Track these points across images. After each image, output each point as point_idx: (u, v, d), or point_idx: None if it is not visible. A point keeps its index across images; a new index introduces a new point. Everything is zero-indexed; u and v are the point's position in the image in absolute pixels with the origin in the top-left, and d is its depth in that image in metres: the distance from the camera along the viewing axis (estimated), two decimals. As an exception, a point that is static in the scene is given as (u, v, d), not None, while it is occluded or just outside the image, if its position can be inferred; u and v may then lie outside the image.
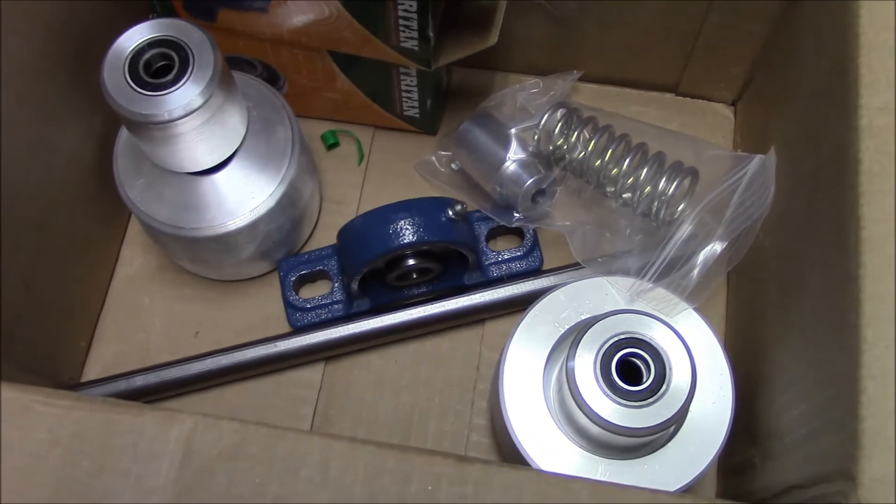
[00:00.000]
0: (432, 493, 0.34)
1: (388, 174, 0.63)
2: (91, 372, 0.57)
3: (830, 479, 0.36)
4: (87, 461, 0.35)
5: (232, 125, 0.50)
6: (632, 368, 0.45)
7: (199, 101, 0.46)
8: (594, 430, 0.45)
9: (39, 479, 0.34)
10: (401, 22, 0.50)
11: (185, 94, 0.46)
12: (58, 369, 0.55)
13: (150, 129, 0.46)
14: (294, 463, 0.35)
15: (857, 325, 0.36)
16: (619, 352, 0.44)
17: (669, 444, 0.47)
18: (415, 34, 0.50)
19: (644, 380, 0.44)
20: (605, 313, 0.45)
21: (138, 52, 0.47)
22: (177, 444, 0.35)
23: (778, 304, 0.49)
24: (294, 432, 0.35)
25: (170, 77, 0.46)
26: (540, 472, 0.35)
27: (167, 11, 0.54)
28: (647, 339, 0.44)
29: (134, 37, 0.47)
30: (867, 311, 0.36)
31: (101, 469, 0.35)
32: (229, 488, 0.34)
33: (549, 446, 0.47)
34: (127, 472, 0.34)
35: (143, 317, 0.59)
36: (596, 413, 0.43)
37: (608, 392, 0.43)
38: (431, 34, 0.50)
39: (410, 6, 0.48)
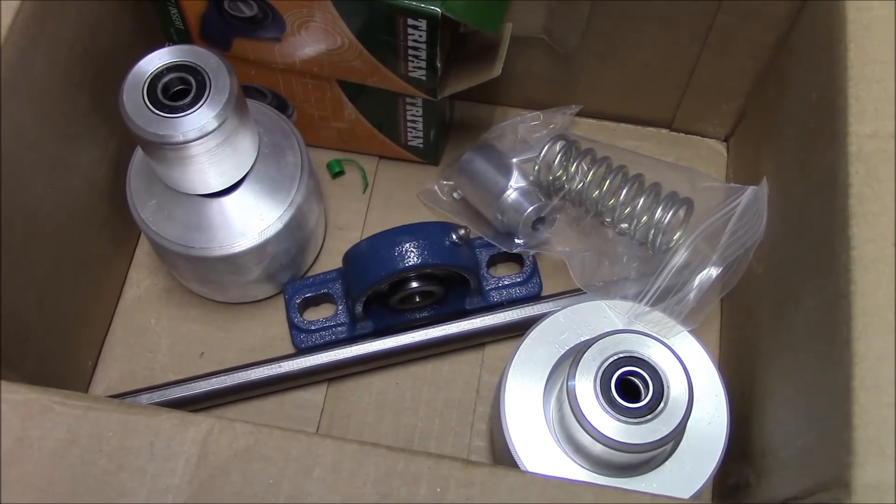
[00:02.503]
0: (441, 494, 0.35)
1: (391, 202, 0.65)
2: (97, 390, 0.58)
3: (825, 487, 0.37)
4: (104, 460, 0.36)
5: (244, 149, 0.52)
6: (630, 386, 0.46)
7: (213, 125, 0.48)
8: (595, 448, 0.46)
9: (58, 476, 0.35)
10: (410, 52, 0.52)
11: (201, 117, 0.47)
12: (65, 387, 0.55)
13: (165, 150, 0.48)
14: (307, 464, 0.36)
15: (849, 340, 0.38)
16: (618, 370, 0.46)
17: (666, 462, 0.48)
18: (423, 64, 0.52)
19: (643, 397, 0.45)
20: (604, 333, 0.47)
21: (157, 76, 0.48)
22: (193, 444, 0.36)
23: (771, 326, 0.50)
24: (306, 435, 0.36)
25: (186, 100, 0.48)
26: (546, 476, 0.36)
27: (183, 40, 0.56)
28: (645, 358, 0.46)
29: (154, 61, 0.49)
30: (859, 325, 0.38)
31: (119, 468, 0.35)
32: (243, 488, 0.35)
33: (549, 464, 0.48)
34: (143, 470, 0.35)
35: (150, 337, 0.60)
36: (597, 430, 0.44)
37: (608, 409, 0.45)
38: (439, 64, 0.52)
39: (420, 36, 0.50)
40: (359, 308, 0.57)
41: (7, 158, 0.46)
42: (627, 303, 0.52)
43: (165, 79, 0.48)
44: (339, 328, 0.59)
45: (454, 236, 0.55)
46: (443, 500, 0.35)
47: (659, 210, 0.56)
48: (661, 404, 0.45)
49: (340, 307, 0.59)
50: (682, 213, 0.56)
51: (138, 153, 0.55)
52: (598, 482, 0.47)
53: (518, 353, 0.51)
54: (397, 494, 0.35)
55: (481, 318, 0.58)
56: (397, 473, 0.35)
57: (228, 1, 0.52)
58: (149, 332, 0.60)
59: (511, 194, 0.58)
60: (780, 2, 0.54)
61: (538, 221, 0.58)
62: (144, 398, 0.56)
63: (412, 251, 0.54)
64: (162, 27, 0.56)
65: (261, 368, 0.57)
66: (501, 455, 0.51)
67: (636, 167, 0.58)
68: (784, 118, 0.54)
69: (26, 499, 0.35)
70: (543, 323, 0.52)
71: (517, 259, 0.61)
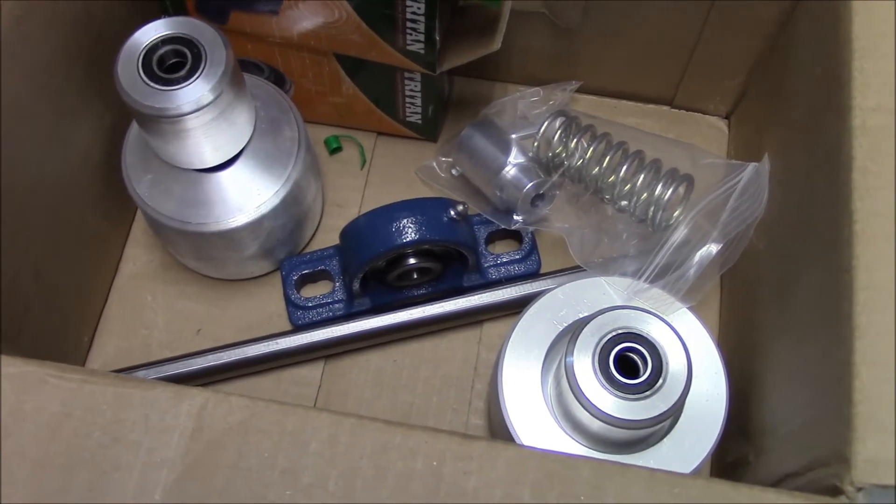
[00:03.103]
0: (437, 468, 0.35)
1: (389, 178, 0.64)
2: (93, 366, 0.58)
3: (825, 463, 0.37)
4: (99, 433, 0.35)
5: (240, 123, 0.51)
6: (629, 362, 0.46)
7: (209, 97, 0.47)
8: (594, 424, 0.45)
9: (53, 449, 0.35)
10: (408, 25, 0.51)
11: (196, 90, 0.47)
12: (61, 362, 0.55)
13: (161, 123, 0.48)
14: (303, 438, 0.35)
15: (851, 314, 0.37)
16: (616, 346, 0.45)
17: (665, 439, 0.48)
18: (421, 37, 0.52)
19: (641, 373, 0.45)
20: (602, 309, 0.46)
21: (152, 48, 0.48)
22: (188, 417, 0.36)
23: (772, 303, 0.50)
24: (303, 408, 0.36)
25: (182, 73, 0.47)
26: (544, 450, 0.36)
27: (179, 12, 0.56)
28: (644, 334, 0.45)
29: (148, 33, 0.48)
30: (861, 300, 0.37)
31: (114, 441, 0.35)
32: (238, 461, 0.35)
33: (547, 441, 0.48)
34: (138, 443, 0.35)
35: (146, 314, 0.60)
36: (596, 407, 0.44)
37: (607, 386, 0.44)
38: (437, 37, 0.52)
39: (418, 9, 0.50)
40: (356, 285, 0.56)
41: (2, 131, 0.45)
42: (626, 279, 0.52)
43: (161, 51, 0.48)
44: (337, 305, 0.58)
45: (452, 212, 0.54)
46: (440, 474, 0.35)
47: (659, 187, 0.55)
48: (660, 380, 0.44)
49: (338, 284, 0.59)
50: (682, 189, 0.56)
51: (134, 127, 0.55)
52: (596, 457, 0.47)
53: (516, 329, 0.51)
54: (394, 468, 0.35)
55: (479, 296, 0.58)
56: (394, 447, 0.35)
57: (225, -28, 0.52)
58: (145, 308, 0.60)
59: (510, 170, 0.58)
60: (783, -23, 0.53)
61: (537, 198, 0.58)
62: (141, 374, 0.55)
63: (410, 227, 0.53)
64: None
65: (258, 345, 0.56)
66: (499, 432, 0.51)
67: (636, 143, 0.58)
68: (786, 94, 0.54)
69: (21, 471, 0.35)
70: (542, 299, 0.51)
71: (516, 236, 0.61)
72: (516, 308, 0.57)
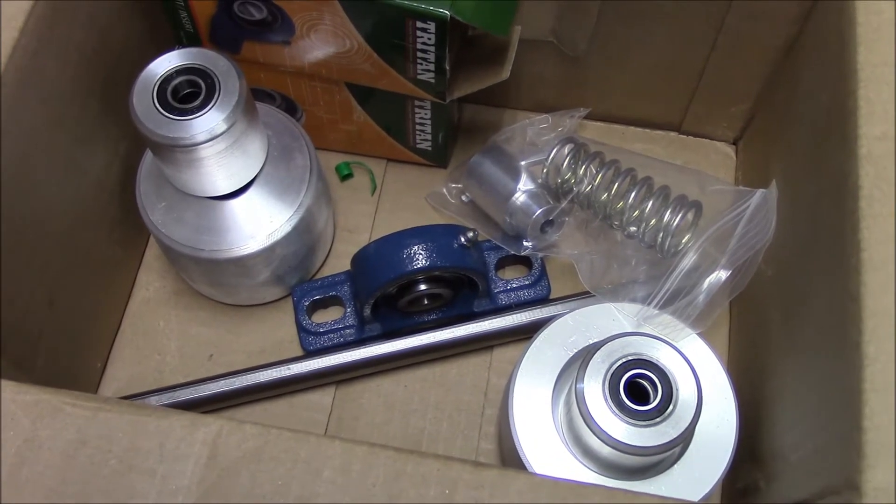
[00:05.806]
0: (450, 496, 0.35)
1: (399, 205, 0.65)
2: (106, 392, 0.58)
3: (836, 490, 0.37)
4: (114, 461, 0.36)
5: (253, 151, 0.52)
6: (639, 389, 0.46)
7: (223, 127, 0.48)
8: (604, 451, 0.46)
9: (68, 477, 0.35)
10: (418, 54, 0.52)
11: (210, 120, 0.48)
12: (74, 388, 0.55)
13: (175, 152, 0.48)
14: (316, 465, 0.36)
15: (859, 342, 0.38)
16: (626, 373, 0.46)
17: (675, 466, 0.48)
18: (431, 67, 0.53)
19: (652, 400, 0.45)
20: (612, 336, 0.47)
21: (167, 79, 0.48)
22: (202, 445, 0.36)
23: (780, 329, 0.50)
24: (315, 436, 0.36)
25: (196, 103, 0.48)
26: (555, 478, 0.36)
27: (193, 43, 0.56)
28: (654, 361, 0.46)
29: (163, 64, 0.49)
30: (869, 327, 0.38)
31: (129, 469, 0.36)
32: (252, 489, 0.35)
33: (557, 467, 0.48)
34: (153, 471, 0.36)
35: (159, 339, 0.60)
36: (607, 433, 0.44)
37: (617, 412, 0.45)
38: (447, 67, 0.52)
39: (429, 39, 0.50)
40: (367, 310, 0.57)
41: (20, 160, 0.46)
42: (636, 305, 0.52)
43: (175, 81, 0.48)
44: (348, 330, 0.59)
45: (462, 239, 0.55)
46: (452, 502, 0.35)
47: (668, 213, 0.56)
48: (670, 407, 0.45)
49: (349, 309, 0.59)
50: (690, 216, 0.56)
51: (148, 156, 0.55)
52: (607, 485, 0.47)
53: (526, 355, 0.51)
54: (406, 496, 0.35)
55: (489, 321, 0.58)
56: (406, 475, 0.36)
57: (238, 4, 0.53)
58: (158, 334, 0.60)
59: (520, 197, 0.58)
60: (789, 4, 0.54)
61: (547, 224, 0.58)
62: (153, 400, 0.56)
63: (420, 254, 0.54)
64: (172, 30, 0.57)
65: (269, 370, 0.57)
66: (510, 457, 0.51)
67: (645, 170, 0.58)
68: (793, 120, 0.54)
69: (37, 499, 0.35)
70: (552, 325, 0.52)
71: (525, 262, 0.61)
72: (526, 334, 0.57)
